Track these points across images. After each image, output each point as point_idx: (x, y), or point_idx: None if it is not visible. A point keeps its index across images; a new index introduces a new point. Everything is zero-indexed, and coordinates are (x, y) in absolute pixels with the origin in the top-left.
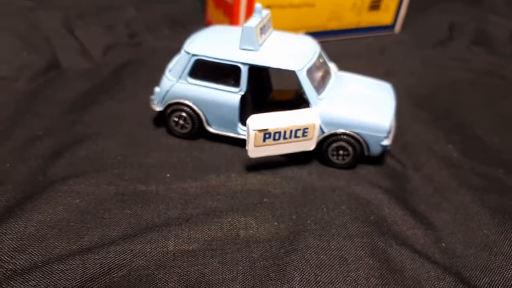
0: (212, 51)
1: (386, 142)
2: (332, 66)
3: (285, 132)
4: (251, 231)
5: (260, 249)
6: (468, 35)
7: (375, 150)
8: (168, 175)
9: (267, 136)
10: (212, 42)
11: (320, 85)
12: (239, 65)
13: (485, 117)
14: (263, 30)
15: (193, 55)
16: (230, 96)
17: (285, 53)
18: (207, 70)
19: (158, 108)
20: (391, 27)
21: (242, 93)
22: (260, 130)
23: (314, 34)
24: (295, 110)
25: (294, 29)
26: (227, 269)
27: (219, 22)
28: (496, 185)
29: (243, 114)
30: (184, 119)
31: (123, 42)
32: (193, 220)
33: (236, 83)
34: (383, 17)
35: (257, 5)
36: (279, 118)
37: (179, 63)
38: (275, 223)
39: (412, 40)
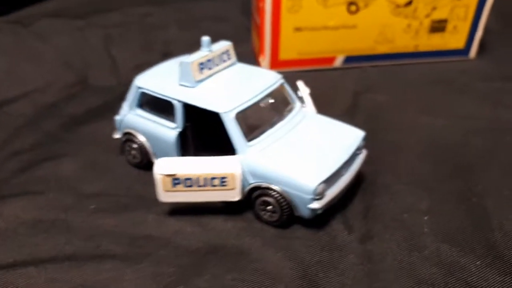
0: (153, 85)
1: (314, 205)
2: (298, 105)
3: (198, 179)
4: (121, 285)
5: None
6: None
7: (304, 212)
8: (92, 206)
9: (176, 181)
10: (162, 75)
11: (256, 130)
12: (173, 101)
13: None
14: (208, 65)
15: (139, 87)
16: (168, 131)
17: (220, 92)
18: (151, 103)
19: (116, 135)
20: (463, 51)
21: (179, 129)
22: (167, 175)
23: (359, 58)
24: (215, 156)
25: (332, 52)
26: None
27: (255, 44)
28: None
29: (186, 152)
30: (135, 149)
31: (154, 61)
32: (77, 259)
33: (174, 119)
34: (451, 40)
35: (204, 38)
36: (192, 164)
37: (130, 94)
38: (150, 281)
39: (490, 68)
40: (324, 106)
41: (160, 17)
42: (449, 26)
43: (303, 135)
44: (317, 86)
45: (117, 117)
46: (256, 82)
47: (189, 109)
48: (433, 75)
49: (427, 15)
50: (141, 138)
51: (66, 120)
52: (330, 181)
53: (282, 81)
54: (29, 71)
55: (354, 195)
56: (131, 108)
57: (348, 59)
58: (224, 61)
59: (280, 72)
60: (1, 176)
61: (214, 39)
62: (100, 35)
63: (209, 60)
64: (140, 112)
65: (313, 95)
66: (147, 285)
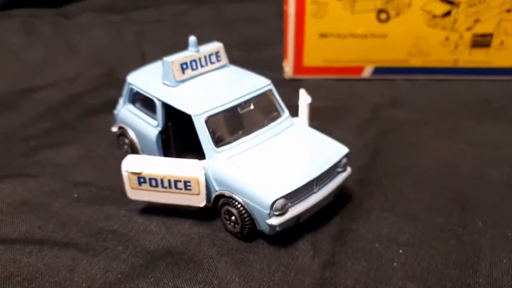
0: (140, 82)
1: (272, 222)
2: (285, 114)
3: (162, 180)
4: (71, 274)
5: None
6: None
7: (264, 227)
8: (76, 195)
9: (141, 180)
10: (153, 73)
11: (229, 136)
12: (154, 99)
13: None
14: (192, 65)
15: (129, 84)
16: (150, 129)
17: (197, 94)
18: (139, 100)
19: (113, 128)
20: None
21: (160, 128)
22: (132, 173)
23: (390, 70)
24: (181, 159)
25: (360, 62)
26: None
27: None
28: None
29: (168, 152)
30: (126, 144)
31: None
32: (42, 244)
33: (155, 118)
34: (497, 57)
35: (191, 38)
36: (158, 163)
37: (124, 90)
38: (99, 275)
39: None
40: (338, 117)
41: (194, 16)
42: (495, 42)
43: (280, 145)
44: (338, 96)
45: (115, 111)
46: (239, 86)
47: (169, 108)
48: (470, 95)
49: (469, 28)
50: (131, 134)
51: (84, 110)
52: (294, 197)
53: (269, 87)
54: (62, 61)
55: (332, 216)
56: (124, 103)
57: (378, 71)
58: (213, 62)
59: (304, 79)
60: (6, 157)
61: (245, 41)
62: (134, 30)
63: (193, 61)
64: (131, 108)
65: (330, 105)
66: (94, 279)
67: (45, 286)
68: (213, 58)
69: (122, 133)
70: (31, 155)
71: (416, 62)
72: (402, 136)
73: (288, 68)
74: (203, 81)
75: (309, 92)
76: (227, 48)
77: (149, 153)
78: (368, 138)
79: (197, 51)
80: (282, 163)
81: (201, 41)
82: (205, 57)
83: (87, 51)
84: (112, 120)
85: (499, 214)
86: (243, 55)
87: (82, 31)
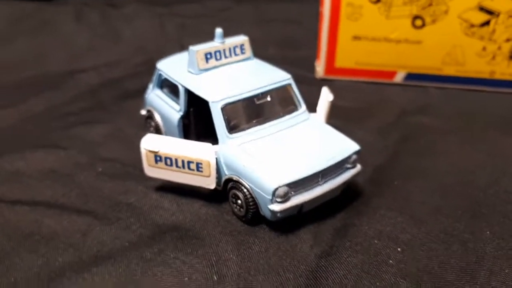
0: (167, 69)
1: (274, 207)
2: (302, 109)
3: (176, 160)
4: (84, 238)
5: None
6: None
7: (266, 212)
8: (100, 169)
9: (158, 158)
10: (182, 61)
11: (243, 124)
12: (178, 85)
13: None
14: (216, 55)
15: (158, 69)
16: (174, 114)
17: (217, 82)
18: (166, 85)
19: (142, 111)
20: None
21: (181, 113)
22: (150, 151)
23: (423, 77)
24: (196, 142)
25: (392, 66)
26: None
27: None
28: None
29: (188, 136)
30: (153, 126)
31: None
32: (63, 209)
33: (178, 103)
34: None
35: (217, 30)
36: (174, 144)
37: (154, 75)
38: (109, 241)
39: None
40: (362, 118)
41: (236, 12)
42: None
43: (292, 137)
44: (367, 99)
45: (145, 95)
46: (258, 78)
47: (192, 94)
48: (502, 108)
49: (508, 39)
50: (157, 117)
51: (119, 93)
52: (298, 186)
53: (288, 82)
54: (105, 48)
55: (338, 210)
56: (153, 88)
57: (410, 76)
58: (237, 54)
59: (335, 80)
60: (45, 130)
61: (282, 40)
62: (176, 23)
63: (217, 51)
64: (159, 93)
65: (356, 106)
66: (104, 244)
67: (60, 246)
68: (238, 50)
69: (150, 116)
70: (66, 130)
71: (450, 71)
72: (424, 142)
73: (319, 68)
74: (225, 71)
75: (338, 92)
76: (264, 45)
77: (172, 135)
78: (389, 140)
79: (223, 42)
80: (291, 153)
81: None
82: (229, 48)
83: (130, 40)
84: (143, 103)
85: (510, 225)
86: (278, 53)
87: (127, 20)
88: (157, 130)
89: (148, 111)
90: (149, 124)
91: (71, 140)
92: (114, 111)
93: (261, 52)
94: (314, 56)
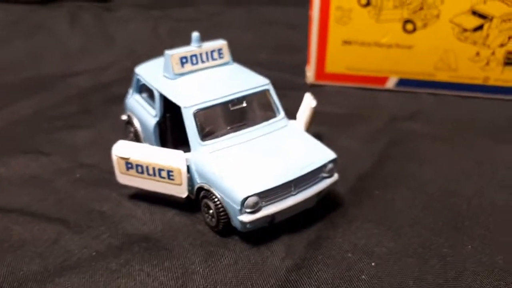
0: (144, 73)
1: (243, 218)
2: (280, 115)
3: (147, 167)
4: (53, 246)
5: None
6: None
7: (236, 223)
8: (78, 175)
9: (129, 165)
10: (158, 65)
11: (216, 130)
12: (154, 90)
13: None
14: (192, 60)
15: (136, 74)
16: (150, 119)
17: (191, 87)
18: (144, 90)
19: (123, 116)
20: None
21: (157, 118)
22: (121, 157)
23: (415, 83)
24: (167, 149)
25: (383, 72)
26: None
27: None
28: None
29: (165, 142)
30: (132, 132)
31: None
32: (35, 216)
33: (154, 108)
34: None
35: (194, 34)
36: (145, 151)
37: (133, 80)
38: (76, 251)
39: None
40: (350, 124)
41: (229, 16)
42: None
43: (266, 145)
44: (357, 104)
45: (125, 100)
46: (235, 83)
47: (168, 100)
48: (495, 114)
49: (502, 45)
50: (136, 123)
51: (107, 98)
52: (269, 196)
53: (267, 87)
54: (97, 51)
55: (314, 221)
56: (132, 93)
57: (402, 82)
58: (214, 59)
59: (325, 86)
60: (29, 133)
61: (275, 44)
62: (170, 27)
63: (193, 56)
64: (137, 97)
65: (345, 112)
66: (72, 253)
67: (28, 255)
68: (215, 54)
69: (129, 121)
70: (50, 134)
71: (443, 76)
72: (411, 148)
73: (310, 73)
74: (201, 76)
75: (328, 98)
76: (257, 50)
77: (149, 142)
78: (375, 147)
79: (199, 46)
80: (263, 161)
81: (230, 42)
82: (206, 53)
83: (123, 43)
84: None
85: (493, 239)
86: (271, 58)
87: (120, 24)
88: (136, 136)
89: (128, 116)
90: (128, 130)
91: (55, 145)
92: (99, 116)
93: (253, 56)
94: (306, 61)
